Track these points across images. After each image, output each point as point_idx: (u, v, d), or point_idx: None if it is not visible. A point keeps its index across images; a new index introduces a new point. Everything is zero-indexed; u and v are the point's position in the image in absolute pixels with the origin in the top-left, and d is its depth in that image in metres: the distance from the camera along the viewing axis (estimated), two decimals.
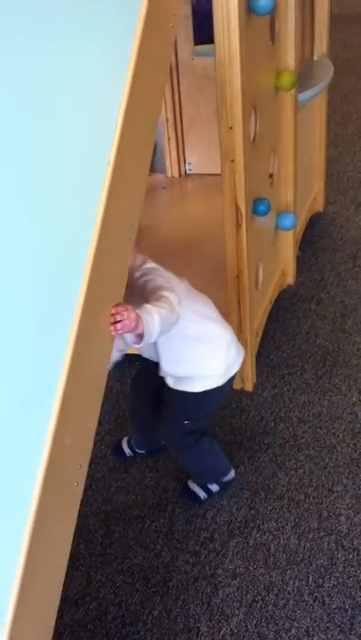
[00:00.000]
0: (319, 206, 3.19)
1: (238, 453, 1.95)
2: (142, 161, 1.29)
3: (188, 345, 1.54)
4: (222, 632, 1.50)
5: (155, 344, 1.51)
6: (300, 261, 2.78)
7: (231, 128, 1.78)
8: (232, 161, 1.82)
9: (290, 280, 2.70)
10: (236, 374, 1.66)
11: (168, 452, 1.89)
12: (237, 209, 1.89)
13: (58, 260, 1.14)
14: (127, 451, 1.98)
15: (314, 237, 2.99)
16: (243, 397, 2.17)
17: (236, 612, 1.53)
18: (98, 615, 1.55)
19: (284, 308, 2.55)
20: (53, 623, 1.11)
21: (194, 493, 1.81)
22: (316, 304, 2.57)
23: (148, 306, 1.34)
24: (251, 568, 1.63)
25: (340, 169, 3.54)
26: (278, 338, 2.41)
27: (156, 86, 1.35)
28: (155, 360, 1.59)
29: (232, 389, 2.20)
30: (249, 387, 2.20)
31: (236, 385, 2.21)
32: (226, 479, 1.82)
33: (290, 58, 2.22)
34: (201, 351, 1.57)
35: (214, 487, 1.81)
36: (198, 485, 1.82)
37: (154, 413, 1.74)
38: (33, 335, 1.11)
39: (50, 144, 1.20)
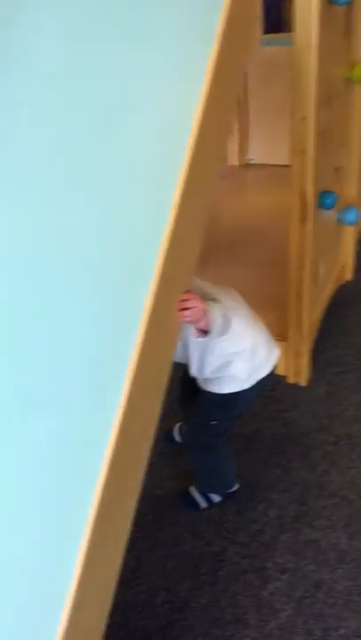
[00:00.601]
0: None
1: (291, 448, 1.94)
2: (220, 143, 1.29)
3: (215, 346, 1.46)
4: (270, 625, 1.49)
5: (185, 346, 1.49)
6: (360, 257, 2.73)
7: (304, 118, 1.75)
8: (303, 152, 1.79)
9: (348, 276, 2.67)
10: (268, 377, 1.57)
11: None
12: (305, 201, 1.86)
13: (134, 243, 1.14)
14: (178, 437, 1.99)
15: None
16: (297, 392, 2.15)
17: (285, 607, 1.52)
18: (147, 598, 1.57)
19: (342, 304, 2.51)
20: (111, 600, 1.12)
21: (194, 501, 1.79)
22: None
23: (210, 302, 1.34)
24: (301, 564, 1.62)
25: None
26: (335, 334, 2.37)
27: (238, 69, 1.33)
28: (184, 362, 1.56)
29: (286, 383, 2.18)
30: (303, 382, 2.18)
31: (291, 379, 2.19)
32: (229, 490, 1.79)
33: None
34: (226, 352, 1.49)
35: (216, 497, 1.79)
36: (200, 493, 1.79)
37: None
38: (104, 319, 1.11)
39: (132, 126, 1.20)
